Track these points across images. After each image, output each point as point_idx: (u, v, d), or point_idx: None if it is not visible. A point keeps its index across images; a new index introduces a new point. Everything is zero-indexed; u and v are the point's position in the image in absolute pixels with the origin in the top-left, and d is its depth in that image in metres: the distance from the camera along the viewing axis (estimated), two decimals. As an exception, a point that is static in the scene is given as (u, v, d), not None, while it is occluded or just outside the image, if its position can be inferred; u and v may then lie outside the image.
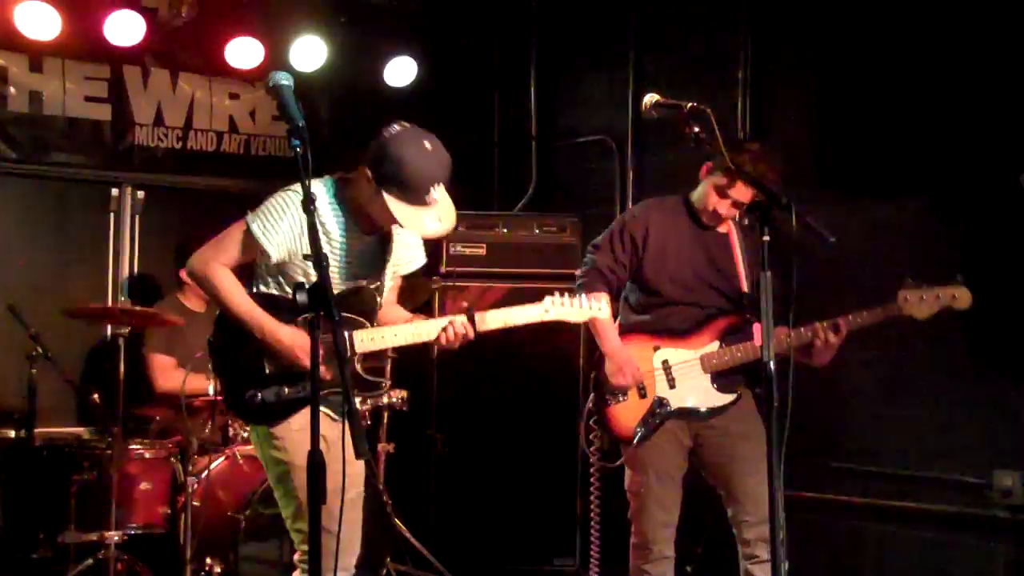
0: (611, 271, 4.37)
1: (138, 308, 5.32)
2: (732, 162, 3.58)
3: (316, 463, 2.77)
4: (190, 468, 5.06)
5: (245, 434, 5.14)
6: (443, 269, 6.11)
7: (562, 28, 7.00)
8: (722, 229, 4.43)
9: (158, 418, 5.55)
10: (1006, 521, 4.83)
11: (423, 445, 6.09)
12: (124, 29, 5.98)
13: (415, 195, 3.50)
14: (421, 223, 3.55)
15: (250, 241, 3.60)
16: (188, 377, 5.02)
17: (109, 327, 6.19)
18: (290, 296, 3.51)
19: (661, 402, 4.31)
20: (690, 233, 4.40)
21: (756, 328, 4.22)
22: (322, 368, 2.90)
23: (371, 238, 3.72)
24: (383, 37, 6.78)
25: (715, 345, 4.32)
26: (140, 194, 6.47)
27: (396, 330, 3.69)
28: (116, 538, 4.96)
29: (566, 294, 3.81)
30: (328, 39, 6.44)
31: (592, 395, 4.41)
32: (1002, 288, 4.77)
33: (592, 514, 4.78)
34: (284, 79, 3.00)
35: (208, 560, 4.96)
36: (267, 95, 3.04)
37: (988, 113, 4.83)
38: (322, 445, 2.83)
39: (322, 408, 3.52)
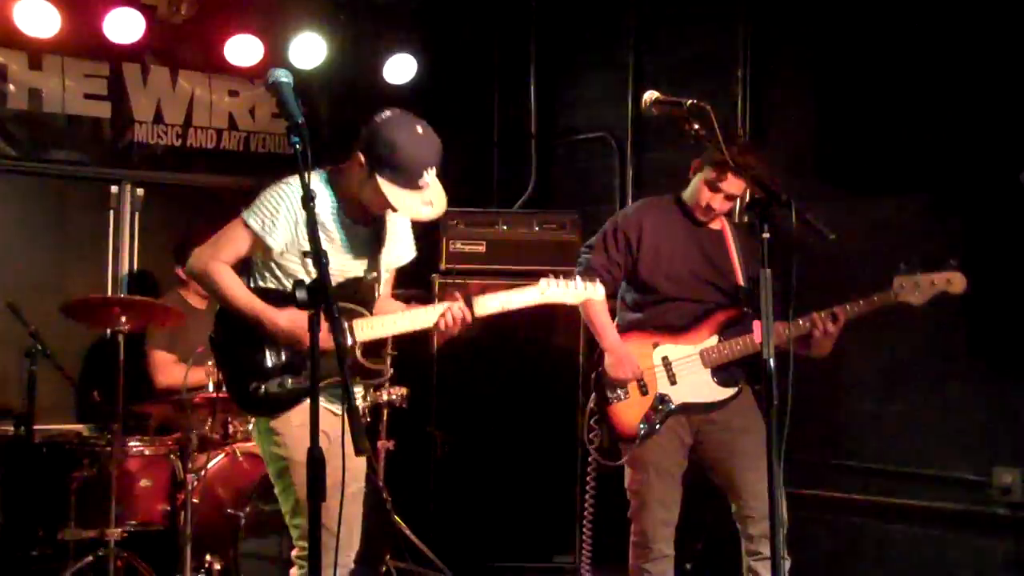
0: (606, 271, 4.38)
1: (137, 298, 5.31)
2: (733, 160, 3.57)
3: (316, 458, 2.78)
4: (190, 465, 5.06)
5: (250, 426, 5.13)
6: (443, 266, 6.11)
7: (562, 26, 7.00)
8: (715, 226, 4.45)
9: (158, 415, 5.55)
10: (1006, 518, 4.84)
11: (423, 442, 6.09)
12: (123, 26, 5.97)
13: (408, 178, 3.54)
14: (413, 207, 3.58)
15: (248, 237, 3.62)
16: (189, 372, 5.03)
17: (108, 326, 6.18)
18: (287, 290, 3.58)
19: (663, 398, 4.32)
20: (684, 231, 4.41)
21: (756, 325, 4.23)
22: (323, 340, 2.90)
23: (366, 230, 3.74)
24: (383, 34, 6.78)
25: (714, 339, 4.33)
26: (140, 191, 6.47)
27: (396, 318, 3.72)
28: (116, 535, 4.96)
29: (561, 276, 3.86)
30: (327, 36, 6.43)
31: (593, 395, 4.41)
32: (1002, 286, 4.77)
33: (586, 512, 4.79)
34: (283, 76, 3.01)
35: (208, 557, 4.96)
36: (267, 92, 3.06)
37: (988, 111, 4.83)
38: (323, 440, 2.84)
39: (323, 404, 3.55)
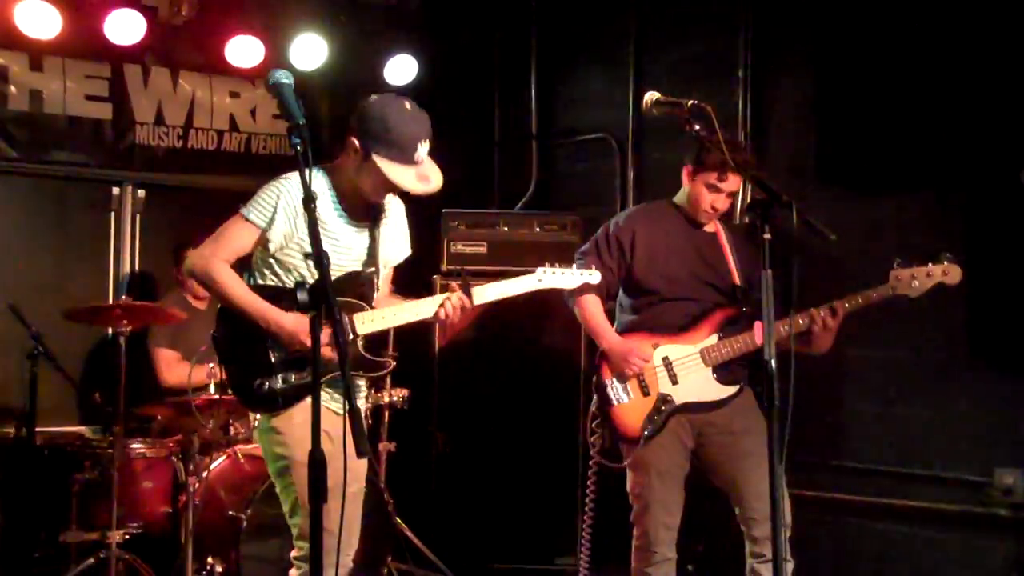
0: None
1: (139, 303, 5.32)
2: (734, 161, 3.57)
3: (317, 460, 2.78)
4: (191, 467, 5.06)
5: (254, 423, 5.13)
6: (444, 268, 6.10)
7: (562, 26, 6.99)
8: (710, 229, 4.48)
9: (159, 417, 5.55)
10: (1007, 519, 4.83)
11: (424, 444, 6.09)
12: (124, 28, 5.98)
13: (403, 153, 3.57)
14: (412, 180, 3.60)
15: (247, 233, 3.64)
16: (193, 370, 5.03)
17: (109, 326, 6.18)
18: (287, 286, 3.61)
19: (665, 398, 4.32)
20: (679, 233, 4.44)
21: (757, 325, 4.24)
22: (325, 348, 2.91)
23: (364, 225, 3.76)
24: (383, 35, 6.78)
25: (714, 338, 4.34)
26: (141, 193, 6.48)
27: (396, 309, 3.75)
28: (117, 537, 4.96)
29: (557, 264, 3.92)
30: (328, 37, 6.44)
31: (595, 398, 4.41)
32: (1003, 286, 4.77)
33: (587, 515, 4.79)
34: (284, 77, 3.02)
35: (209, 559, 4.96)
36: (267, 93, 3.06)
37: (988, 110, 4.83)
38: (325, 440, 2.83)
39: (326, 404, 3.56)
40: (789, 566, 4.21)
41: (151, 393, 5.68)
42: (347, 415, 2.80)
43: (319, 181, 3.69)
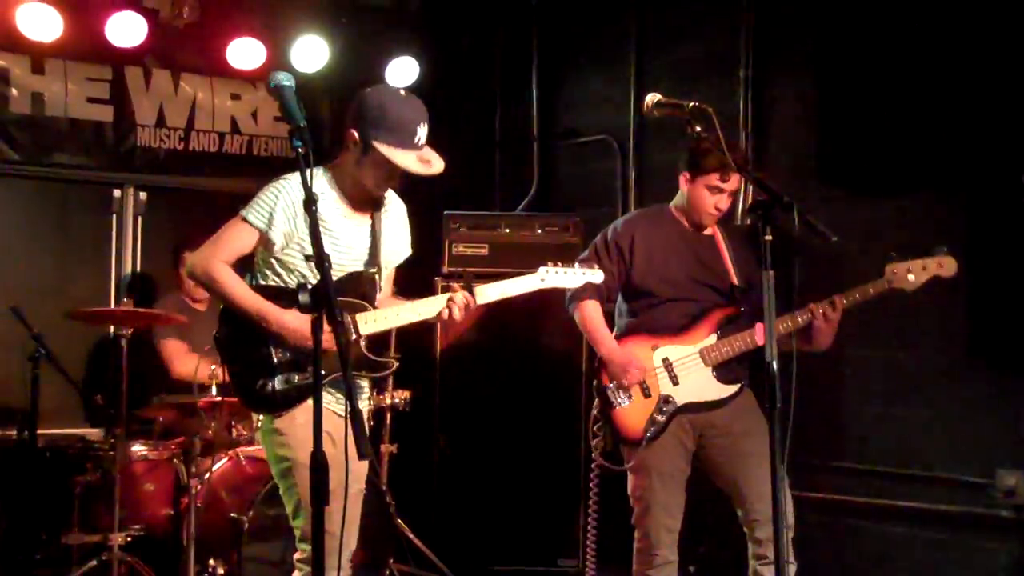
0: None
1: (141, 310, 5.33)
2: (736, 162, 3.58)
3: (319, 463, 2.77)
4: (193, 469, 5.06)
5: (257, 424, 5.13)
6: (445, 269, 6.10)
7: (563, 27, 7.00)
8: (707, 232, 4.49)
9: (161, 419, 5.55)
10: (1009, 521, 4.83)
11: (426, 446, 6.09)
12: (126, 30, 5.98)
13: (404, 137, 3.58)
14: (415, 163, 3.60)
15: (247, 234, 3.65)
16: (200, 364, 5.05)
17: (112, 328, 6.19)
18: (288, 286, 3.61)
19: (666, 399, 4.32)
20: (677, 237, 4.46)
21: (759, 326, 4.24)
22: (327, 342, 2.90)
23: (366, 225, 3.77)
24: (384, 37, 6.78)
25: (713, 338, 4.35)
26: (142, 195, 6.48)
27: (399, 309, 3.74)
28: (119, 539, 4.96)
29: (559, 263, 3.93)
30: (329, 39, 6.44)
31: (596, 401, 4.42)
32: (1004, 286, 4.77)
33: (590, 517, 4.79)
34: (286, 80, 3.02)
35: (211, 561, 4.96)
36: (269, 96, 3.07)
37: (989, 112, 4.82)
38: (327, 442, 2.83)
39: (328, 405, 3.56)
40: (792, 568, 4.21)
41: (158, 387, 5.67)
42: (348, 417, 2.79)
43: (320, 180, 3.69)
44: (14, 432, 5.47)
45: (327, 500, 2.80)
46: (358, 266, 3.75)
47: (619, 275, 4.43)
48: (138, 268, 6.49)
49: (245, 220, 3.64)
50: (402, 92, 3.69)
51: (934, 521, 5.08)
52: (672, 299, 4.39)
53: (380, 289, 3.80)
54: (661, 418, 4.31)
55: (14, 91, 6.04)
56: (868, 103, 5.24)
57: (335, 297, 2.86)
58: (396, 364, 3.88)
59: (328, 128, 6.70)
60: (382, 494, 5.27)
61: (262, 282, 3.73)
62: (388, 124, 3.57)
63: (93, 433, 5.84)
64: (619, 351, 4.35)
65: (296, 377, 3.64)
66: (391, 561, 5.35)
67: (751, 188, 5.46)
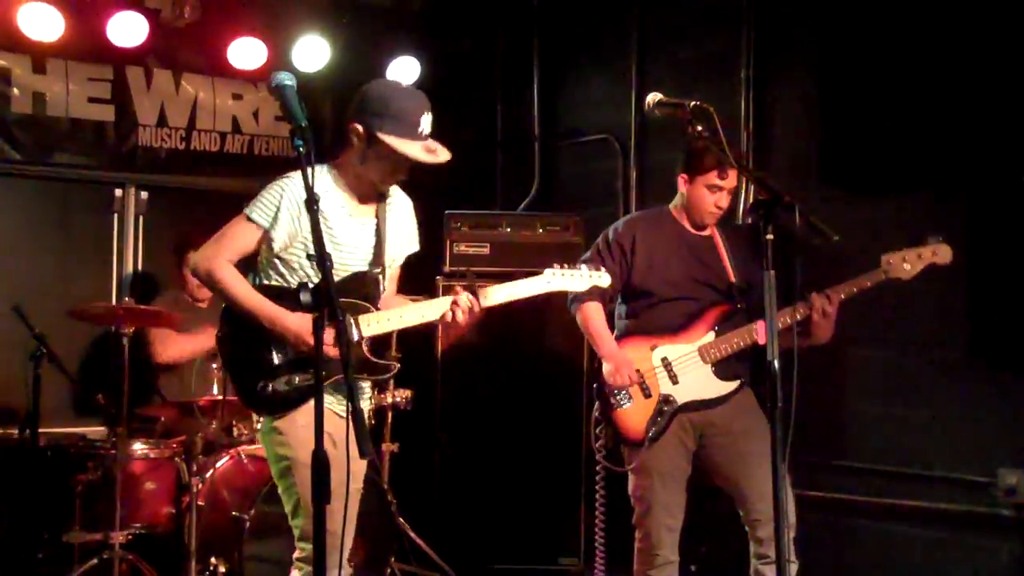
0: None
1: (142, 307, 5.33)
2: (737, 161, 3.58)
3: (320, 461, 2.78)
4: (194, 468, 5.07)
5: (257, 425, 5.14)
6: (446, 268, 6.11)
7: (564, 27, 7.00)
8: (705, 233, 4.51)
9: (162, 418, 5.56)
10: (1010, 519, 4.83)
11: (427, 445, 6.09)
12: (127, 30, 5.98)
13: (408, 126, 3.56)
14: (421, 152, 3.58)
15: (251, 232, 3.63)
16: (196, 338, 5.03)
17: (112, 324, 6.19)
18: (291, 286, 3.59)
19: (667, 399, 4.33)
20: (676, 238, 4.48)
21: (761, 325, 4.24)
22: (328, 348, 2.90)
23: (370, 224, 3.74)
24: (385, 37, 6.78)
25: (711, 335, 4.36)
26: (144, 195, 6.47)
27: (402, 311, 3.71)
28: (121, 538, 4.96)
29: (566, 265, 3.87)
30: (331, 39, 6.44)
31: (597, 403, 4.42)
32: (1005, 285, 4.77)
33: (597, 518, 4.79)
34: (287, 79, 3.01)
35: (212, 560, 4.96)
36: (270, 95, 3.05)
37: (990, 111, 4.82)
38: (327, 443, 2.82)
39: (329, 406, 3.55)
40: (793, 567, 4.22)
41: (150, 367, 5.67)
42: (349, 416, 2.79)
43: (324, 179, 3.67)
44: (16, 431, 5.47)
45: (328, 498, 2.79)
46: (362, 266, 3.73)
47: (620, 276, 4.44)
48: (139, 268, 6.49)
49: (249, 218, 3.62)
50: (403, 84, 3.69)
51: (935, 520, 5.08)
52: (671, 299, 4.41)
53: (384, 289, 3.78)
54: (662, 419, 4.32)
55: (15, 91, 6.04)
56: (869, 103, 5.24)
57: (337, 297, 2.85)
58: (398, 367, 3.86)
59: (329, 128, 6.70)
60: (383, 493, 5.27)
61: (265, 281, 3.71)
62: (392, 114, 3.55)
63: (94, 432, 5.84)
64: (616, 353, 4.36)
65: (297, 378, 3.62)
66: (392, 559, 5.35)
67: (752, 187, 5.47)
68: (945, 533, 5.06)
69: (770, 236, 3.21)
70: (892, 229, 5.18)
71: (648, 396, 4.34)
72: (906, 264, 4.18)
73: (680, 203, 4.49)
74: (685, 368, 4.34)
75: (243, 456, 5.18)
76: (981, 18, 4.84)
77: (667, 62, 6.38)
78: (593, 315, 4.45)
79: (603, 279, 3.96)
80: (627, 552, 4.49)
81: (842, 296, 4.21)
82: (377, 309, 3.71)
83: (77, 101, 6.20)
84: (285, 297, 3.57)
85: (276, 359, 3.63)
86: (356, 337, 3.63)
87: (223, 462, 5.22)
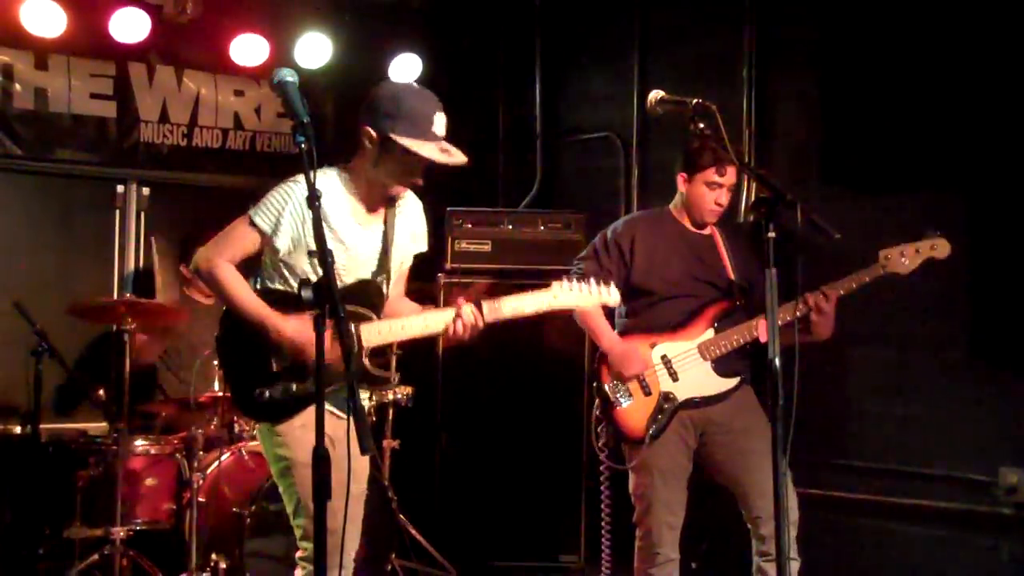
0: (598, 276, 4.40)
1: (143, 300, 5.33)
2: (739, 158, 3.58)
3: (321, 457, 2.77)
4: (195, 464, 5.07)
5: (254, 426, 5.15)
6: (448, 266, 6.11)
7: (566, 25, 7.00)
8: (705, 232, 4.51)
9: (163, 414, 5.56)
10: (1011, 518, 4.83)
11: (428, 441, 6.09)
12: (129, 26, 5.98)
13: (422, 127, 3.50)
14: (436, 152, 3.51)
15: (254, 236, 3.59)
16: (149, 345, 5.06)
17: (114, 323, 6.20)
18: (295, 291, 3.53)
19: (667, 396, 4.33)
20: (676, 237, 4.49)
21: (762, 324, 4.24)
22: (330, 357, 2.88)
23: (376, 231, 3.70)
24: (388, 34, 6.78)
25: (710, 332, 4.36)
26: (145, 191, 6.48)
27: (404, 323, 3.67)
28: (122, 534, 4.98)
29: (575, 279, 3.79)
30: (333, 36, 6.44)
31: (597, 401, 4.42)
32: (1007, 284, 4.77)
33: (603, 517, 4.79)
34: (289, 76, 3.00)
35: (213, 556, 4.96)
36: (272, 92, 3.04)
37: (991, 109, 4.82)
38: (327, 443, 2.82)
39: (328, 406, 3.54)
40: (796, 564, 4.22)
41: (156, 374, 5.69)
42: (351, 412, 2.78)
43: (334, 184, 3.61)
44: (17, 427, 5.48)
45: (329, 495, 2.78)
46: (366, 273, 3.68)
47: (619, 275, 4.44)
48: (141, 264, 6.50)
49: (252, 222, 3.57)
50: (415, 84, 3.64)
51: (936, 519, 5.08)
52: (671, 297, 4.42)
53: (387, 297, 3.74)
54: (663, 416, 4.32)
55: (18, 87, 6.04)
56: (870, 102, 5.24)
57: (338, 292, 2.83)
58: (396, 379, 3.83)
59: (331, 124, 6.71)
60: (384, 490, 5.28)
61: (269, 284, 3.67)
62: (404, 115, 3.49)
63: (96, 428, 5.85)
64: (620, 343, 4.36)
65: (294, 386, 3.57)
66: (393, 556, 5.36)
67: (754, 185, 5.48)
68: (945, 532, 5.06)
69: (772, 234, 3.21)
70: (893, 227, 5.17)
71: (648, 394, 4.34)
72: (904, 259, 4.19)
73: (680, 202, 4.50)
74: (685, 365, 4.34)
75: (244, 452, 5.18)
76: (982, 15, 4.84)
77: (669, 60, 6.37)
78: (592, 310, 4.45)
79: (612, 296, 3.86)
80: (630, 550, 4.49)
81: (841, 292, 4.21)
82: (379, 318, 3.66)
83: (79, 97, 6.20)
84: (287, 302, 3.53)
85: (274, 365, 3.59)
86: (357, 347, 3.55)
87: (224, 458, 5.22)
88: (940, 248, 4.20)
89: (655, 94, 3.58)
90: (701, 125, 3.46)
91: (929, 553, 5.10)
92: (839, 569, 5.34)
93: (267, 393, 3.57)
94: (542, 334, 6.06)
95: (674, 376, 4.34)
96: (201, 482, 5.06)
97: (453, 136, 3.63)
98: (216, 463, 5.19)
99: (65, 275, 6.28)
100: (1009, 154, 4.75)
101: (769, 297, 3.20)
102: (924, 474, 5.13)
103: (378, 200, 3.68)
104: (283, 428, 3.62)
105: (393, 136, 3.49)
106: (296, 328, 3.50)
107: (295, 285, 3.54)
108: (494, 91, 7.35)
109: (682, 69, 6.24)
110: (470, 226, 6.16)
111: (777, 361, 3.16)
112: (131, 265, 6.47)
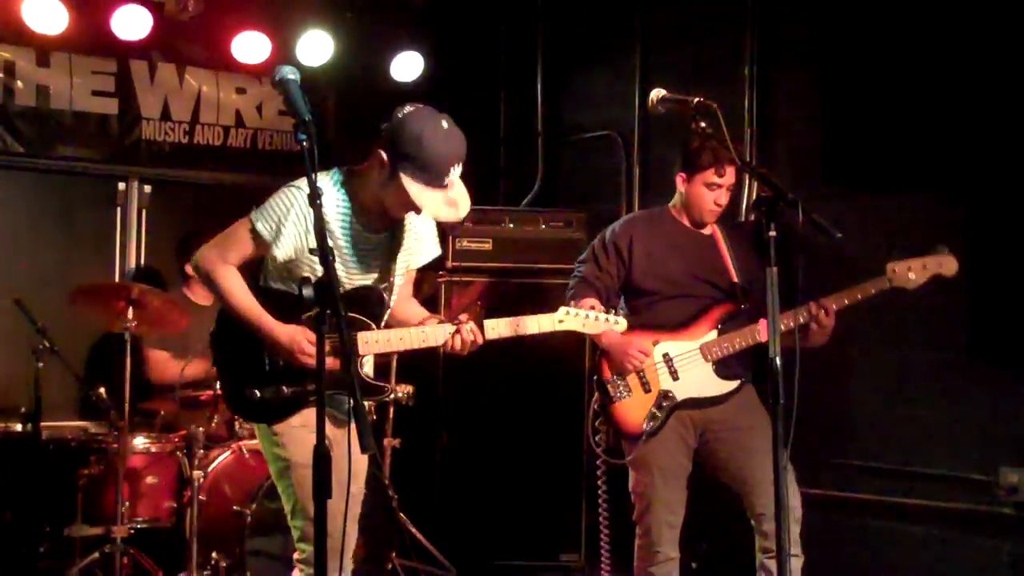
0: (597, 279, 4.45)
1: (150, 288, 5.30)
2: (740, 158, 3.58)
3: (321, 456, 2.77)
4: (196, 462, 5.07)
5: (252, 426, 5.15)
6: (449, 264, 6.11)
7: (568, 23, 6.99)
8: (706, 231, 4.51)
9: (164, 412, 5.56)
10: (1011, 518, 4.82)
11: (429, 441, 6.09)
12: (131, 23, 5.99)
13: (433, 175, 3.43)
14: (438, 206, 3.47)
15: (255, 240, 3.56)
16: (190, 364, 5.06)
17: (114, 321, 6.19)
18: (296, 293, 3.53)
19: (666, 395, 4.33)
20: (676, 236, 4.48)
21: (763, 323, 4.24)
22: (328, 360, 2.87)
23: (378, 237, 3.65)
24: (390, 32, 6.78)
25: (713, 334, 4.36)
26: (147, 188, 6.49)
27: (402, 333, 3.65)
28: (122, 532, 4.98)
29: (582, 305, 3.83)
30: (335, 34, 6.44)
31: (596, 395, 4.42)
32: (1008, 284, 4.77)
33: (601, 515, 4.79)
34: (290, 73, 2.98)
35: (214, 554, 4.97)
36: (274, 89, 3.03)
37: (993, 110, 4.81)
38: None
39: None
40: (799, 561, 4.23)
41: (147, 388, 5.68)
42: (352, 412, 2.77)
43: (335, 187, 3.56)
44: (18, 425, 5.48)
45: (330, 493, 2.78)
46: (366, 281, 3.66)
47: (617, 276, 4.45)
48: (142, 261, 6.50)
49: (253, 227, 3.53)
50: (444, 124, 3.45)
51: (936, 518, 5.07)
52: (673, 296, 4.41)
53: (389, 305, 3.70)
54: (660, 413, 4.31)
55: (19, 83, 6.04)
56: (872, 101, 5.23)
57: (339, 299, 2.81)
58: (393, 389, 3.82)
59: (333, 122, 6.71)
60: (384, 488, 5.27)
61: (272, 284, 3.65)
62: (420, 159, 3.39)
63: (96, 426, 5.85)
64: (620, 338, 4.35)
65: (286, 388, 3.56)
66: (393, 555, 5.36)
67: (755, 184, 5.47)
68: (946, 532, 5.05)
69: (773, 233, 3.21)
70: (895, 227, 5.18)
71: (648, 391, 4.34)
72: (911, 274, 4.18)
73: (679, 202, 4.49)
74: (686, 365, 4.34)
75: (245, 451, 5.19)
76: (984, 15, 4.83)
77: (670, 59, 6.36)
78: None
79: (620, 324, 3.86)
80: (630, 549, 4.49)
81: (845, 302, 4.20)
82: (380, 326, 3.64)
83: (81, 94, 6.21)
84: (288, 305, 3.50)
85: (267, 367, 3.58)
86: (355, 348, 3.52)
87: (225, 457, 5.22)
88: (947, 266, 4.19)
89: (657, 93, 3.58)
90: (703, 124, 3.46)
91: (929, 553, 5.10)
92: (839, 569, 5.33)
93: (259, 393, 3.57)
94: (543, 335, 6.05)
95: (674, 375, 4.34)
96: (202, 480, 5.06)
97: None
98: (216, 461, 5.19)
99: (66, 273, 6.26)
100: (1010, 154, 4.74)
101: (769, 296, 3.19)
102: (924, 474, 5.12)
103: (382, 211, 3.61)
104: (281, 428, 3.61)
105: (402, 176, 3.41)
106: (290, 337, 3.50)
107: (295, 287, 3.54)
108: (495, 89, 7.35)
109: (683, 68, 6.23)
110: (471, 224, 6.15)
111: (777, 361, 3.15)
112: (132, 262, 6.48)
